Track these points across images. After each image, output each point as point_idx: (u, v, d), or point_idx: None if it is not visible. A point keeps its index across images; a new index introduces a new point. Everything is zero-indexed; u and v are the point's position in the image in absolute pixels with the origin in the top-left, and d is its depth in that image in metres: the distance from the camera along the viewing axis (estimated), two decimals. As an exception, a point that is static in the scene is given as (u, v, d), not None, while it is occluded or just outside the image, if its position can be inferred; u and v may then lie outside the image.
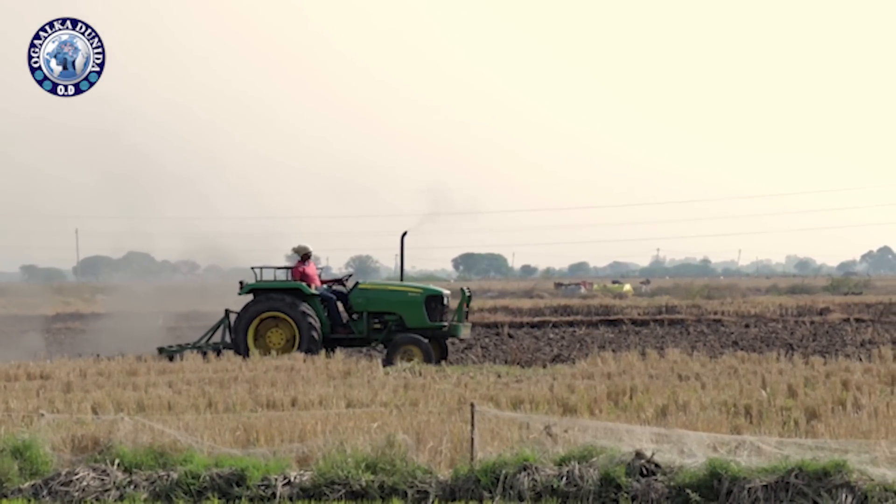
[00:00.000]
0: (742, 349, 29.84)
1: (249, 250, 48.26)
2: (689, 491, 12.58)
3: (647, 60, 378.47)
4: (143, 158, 46.33)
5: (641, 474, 12.91)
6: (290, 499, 13.20)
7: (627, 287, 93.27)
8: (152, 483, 13.62)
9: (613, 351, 29.54)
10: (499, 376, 23.94)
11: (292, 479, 13.44)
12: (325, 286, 29.66)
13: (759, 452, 13.19)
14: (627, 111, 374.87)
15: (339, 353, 27.65)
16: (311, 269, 29.36)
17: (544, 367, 26.34)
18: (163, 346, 30.04)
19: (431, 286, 30.54)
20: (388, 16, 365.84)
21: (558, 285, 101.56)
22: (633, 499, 12.68)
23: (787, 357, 25.93)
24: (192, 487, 13.45)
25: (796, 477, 12.44)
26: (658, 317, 45.43)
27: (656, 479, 12.83)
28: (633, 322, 43.87)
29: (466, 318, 29.52)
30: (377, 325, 29.05)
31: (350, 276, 31.19)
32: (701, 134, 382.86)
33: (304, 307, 28.45)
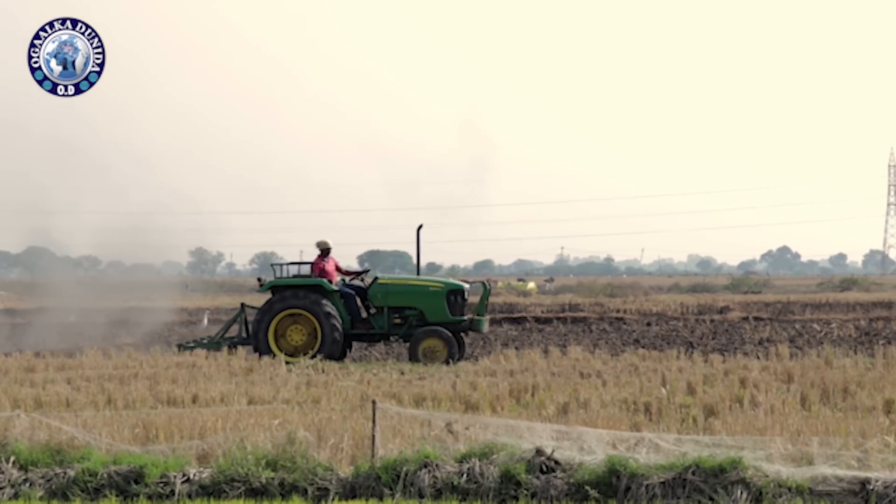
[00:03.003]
0: (643, 347, 30.12)
1: (152, 246, 47.81)
2: (588, 488, 12.66)
3: (552, 63, 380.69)
4: (46, 150, 45.63)
5: (541, 471, 12.97)
6: (189, 496, 13.09)
7: (532, 285, 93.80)
8: (48, 481, 13.43)
9: (516, 348, 29.69)
10: (402, 373, 23.94)
11: (191, 476, 13.32)
12: (341, 280, 29.12)
13: (657, 449, 13.32)
14: (532, 113, 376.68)
15: (241, 351, 27.47)
16: (330, 264, 28.90)
17: (447, 364, 26.38)
18: (181, 343, 29.60)
19: (452, 280, 30.23)
20: (308, 19, 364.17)
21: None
22: (533, 496, 12.73)
23: (687, 355, 26.22)
24: (89, 485, 13.29)
25: (693, 473, 12.58)
26: (561, 315, 45.72)
27: (556, 476, 12.90)
28: (537, 320, 44.12)
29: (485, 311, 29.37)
30: (397, 320, 28.52)
31: (367, 270, 30.78)
32: (604, 135, 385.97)
33: (326, 304, 27.85)
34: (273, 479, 13.16)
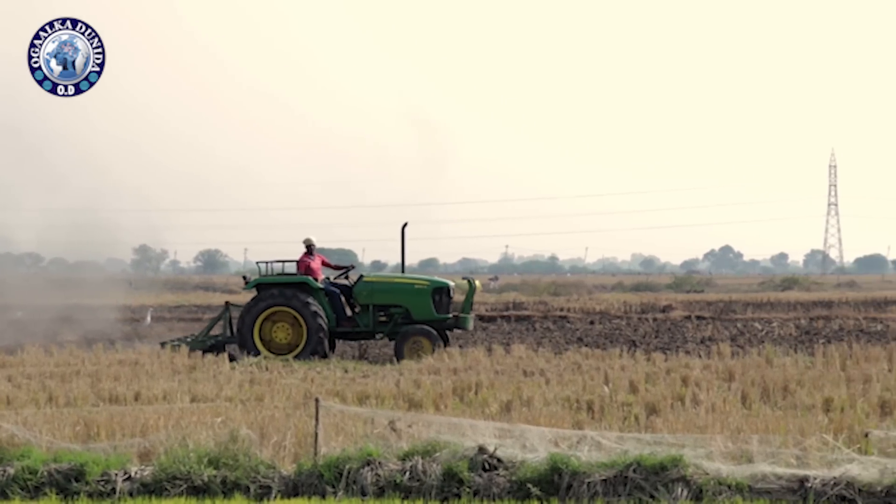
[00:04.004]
0: (586, 346, 30.23)
1: (96, 243, 47.43)
2: (530, 485, 12.71)
3: (497, 63, 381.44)
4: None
5: (484, 469, 13.01)
6: (131, 494, 13.03)
7: (477, 283, 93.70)
8: (-12, 479, 13.32)
9: (460, 347, 29.72)
10: (346, 371, 23.93)
11: (133, 474, 13.26)
12: (326, 278, 29.04)
13: (599, 447, 13.39)
14: (476, 113, 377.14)
15: (184, 348, 27.36)
16: (315, 262, 28.79)
17: (392, 362, 26.39)
18: (165, 341, 29.37)
19: (437, 278, 30.20)
20: (257, 17, 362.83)
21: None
22: (475, 493, 12.77)
23: (630, 354, 26.36)
24: (29, 483, 13.19)
25: (634, 471, 12.66)
26: (505, 313, 45.82)
27: (498, 474, 12.94)
28: (481, 318, 44.15)
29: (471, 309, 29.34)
30: (382, 318, 28.45)
31: (353, 267, 30.69)
32: (548, 135, 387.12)
33: (312, 302, 27.73)
34: (215, 477, 13.12)
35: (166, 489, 13.03)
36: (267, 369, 24.01)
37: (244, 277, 29.50)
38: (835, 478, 12.40)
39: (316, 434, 13.66)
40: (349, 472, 13.01)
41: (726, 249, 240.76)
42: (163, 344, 28.76)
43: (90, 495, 13.05)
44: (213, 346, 28.22)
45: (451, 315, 28.57)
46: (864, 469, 12.54)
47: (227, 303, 30.02)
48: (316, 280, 28.23)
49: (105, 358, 25.72)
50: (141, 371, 23.02)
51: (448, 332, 29.05)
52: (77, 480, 13.19)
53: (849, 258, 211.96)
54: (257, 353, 26.93)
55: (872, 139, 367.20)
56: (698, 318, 44.09)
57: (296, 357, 26.88)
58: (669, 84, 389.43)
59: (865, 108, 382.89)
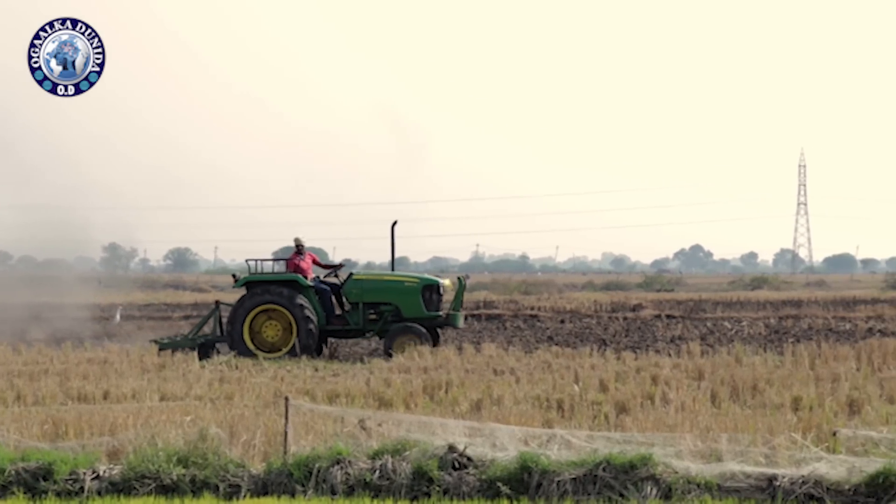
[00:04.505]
0: (557, 344, 30.27)
1: (66, 241, 47.20)
2: (500, 484, 12.71)
3: (467, 62, 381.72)
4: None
5: (454, 467, 13.01)
6: (99, 493, 12.97)
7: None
8: (-45, 478, 13.24)
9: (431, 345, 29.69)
10: (316, 370, 23.91)
11: (101, 473, 13.20)
12: (316, 277, 28.97)
13: (569, 446, 13.41)
14: (447, 112, 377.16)
15: (154, 346, 27.26)
16: (305, 261, 28.68)
17: (362, 361, 26.37)
18: (156, 339, 29.19)
19: (427, 275, 30.13)
20: (231, 15, 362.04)
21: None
22: (445, 492, 12.76)
23: (600, 352, 26.42)
24: (-4, 482, 13.12)
25: (604, 470, 12.67)
26: (476, 312, 45.80)
27: (468, 473, 12.94)
28: (450, 316, 44.12)
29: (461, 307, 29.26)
30: (373, 316, 28.43)
31: (342, 265, 30.60)
32: (519, 134, 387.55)
33: (301, 300, 27.67)
34: (184, 475, 13.07)
35: (135, 488, 12.97)
36: (237, 368, 23.97)
37: (234, 276, 29.46)
38: (803, 476, 12.45)
39: (286, 433, 13.63)
40: (319, 471, 12.99)
41: (696, 249, 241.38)
42: (154, 342, 28.55)
43: (58, 494, 12.99)
44: (203, 345, 28.14)
45: (441, 313, 28.58)
46: (832, 468, 12.60)
47: (217, 301, 29.96)
48: (306, 278, 28.19)
49: (74, 356, 25.63)
50: (110, 370, 22.94)
51: (438, 330, 29.01)
52: (45, 479, 13.12)
53: (818, 257, 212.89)
54: (249, 353, 26.88)
55: (842, 139, 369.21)
56: (668, 317, 44.19)
57: (286, 355, 26.87)
58: (640, 84, 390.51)
59: (835, 107, 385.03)
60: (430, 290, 28.66)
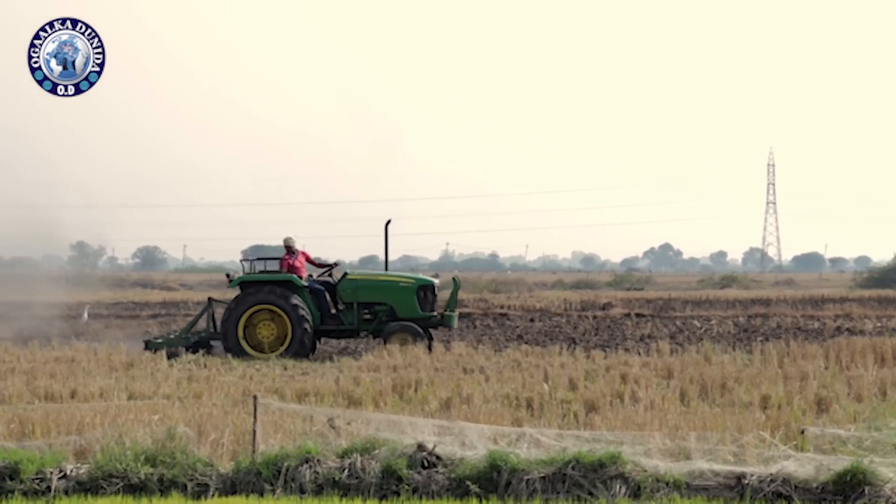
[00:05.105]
0: (526, 343, 30.31)
1: (32, 238, 46.94)
2: (469, 483, 12.70)
3: (437, 61, 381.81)
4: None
5: (423, 466, 12.99)
6: (66, 492, 12.89)
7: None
8: (-80, 478, 13.13)
9: (401, 344, 29.65)
10: (285, 368, 23.86)
11: (68, 472, 13.12)
12: (310, 277, 28.87)
13: (538, 444, 13.41)
14: (416, 110, 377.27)
15: (122, 345, 27.12)
16: (299, 260, 28.57)
17: (331, 359, 26.32)
18: (149, 339, 28.95)
19: (422, 275, 30.07)
20: (204, 12, 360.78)
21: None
22: (414, 491, 12.74)
23: (570, 351, 26.45)
24: (-38, 482, 13.02)
25: (573, 468, 12.67)
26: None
27: (437, 472, 12.92)
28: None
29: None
30: (367, 316, 28.35)
31: (337, 264, 30.47)
32: (488, 132, 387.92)
33: (296, 300, 27.57)
34: (152, 474, 13.00)
35: (102, 487, 12.90)
36: (205, 367, 23.88)
37: (227, 275, 29.37)
38: (771, 474, 12.49)
39: (254, 432, 13.58)
40: (287, 470, 12.96)
41: (666, 247, 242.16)
42: (147, 343, 28.31)
43: (25, 494, 12.90)
44: (196, 343, 28.00)
45: (435, 313, 28.58)
46: (800, 466, 12.64)
47: (210, 299, 29.80)
48: (300, 278, 28.14)
49: (41, 355, 25.47)
50: (77, 368, 22.81)
51: (432, 330, 29.00)
52: (11, 479, 13.03)
53: (787, 256, 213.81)
54: (243, 353, 26.80)
55: (810, 138, 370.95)
56: (638, 315, 44.28)
57: (280, 355, 26.81)
58: (608, 83, 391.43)
59: (804, 107, 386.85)
60: (425, 289, 28.68)
